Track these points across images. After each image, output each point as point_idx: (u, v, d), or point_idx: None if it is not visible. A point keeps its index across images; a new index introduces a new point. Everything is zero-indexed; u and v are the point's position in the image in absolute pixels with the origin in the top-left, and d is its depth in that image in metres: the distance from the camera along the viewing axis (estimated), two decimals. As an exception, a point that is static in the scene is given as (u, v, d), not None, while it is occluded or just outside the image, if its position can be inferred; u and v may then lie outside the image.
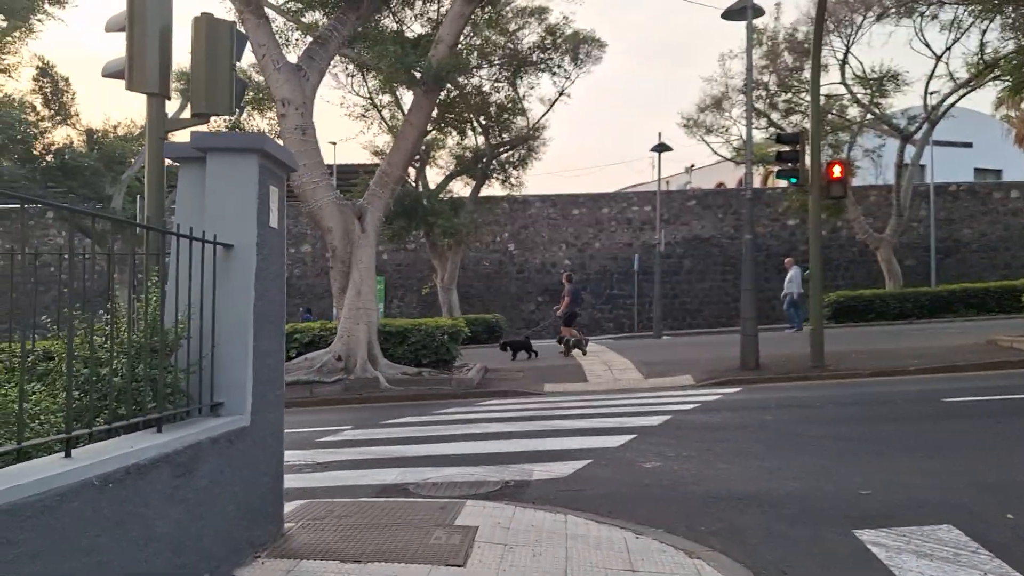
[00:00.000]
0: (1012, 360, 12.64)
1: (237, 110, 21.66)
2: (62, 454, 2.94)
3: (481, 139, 24.97)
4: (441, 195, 24.87)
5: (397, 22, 17.65)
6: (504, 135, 24.64)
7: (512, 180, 25.50)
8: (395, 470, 6.89)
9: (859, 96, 26.31)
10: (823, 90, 16.55)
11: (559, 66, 22.74)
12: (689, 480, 6.26)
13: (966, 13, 23.63)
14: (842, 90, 26.35)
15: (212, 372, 4.03)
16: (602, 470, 6.70)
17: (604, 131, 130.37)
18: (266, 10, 13.76)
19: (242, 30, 13.83)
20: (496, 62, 21.29)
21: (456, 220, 23.18)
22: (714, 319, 30.96)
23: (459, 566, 4.14)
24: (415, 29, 17.91)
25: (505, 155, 25.30)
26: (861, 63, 27.70)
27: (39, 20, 20.21)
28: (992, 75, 23.74)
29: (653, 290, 28.23)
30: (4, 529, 2.45)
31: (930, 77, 25.53)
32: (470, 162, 25.05)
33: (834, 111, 26.46)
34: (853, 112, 27.25)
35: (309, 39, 14.59)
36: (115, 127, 24.98)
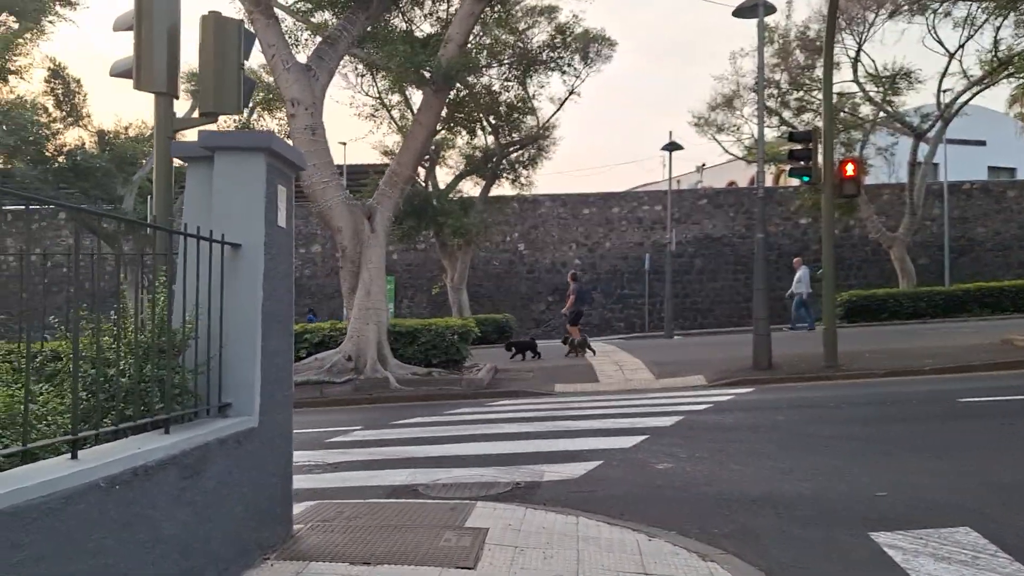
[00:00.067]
0: (1028, 360, 12.51)
1: (246, 110, 21.71)
2: (68, 455, 2.91)
3: (491, 139, 24.94)
4: (451, 195, 24.85)
5: (407, 22, 17.64)
6: (514, 134, 24.59)
7: (522, 180, 25.47)
8: (405, 471, 6.85)
9: (871, 94, 26.13)
10: (835, 88, 16.41)
11: (569, 65, 22.69)
12: (702, 481, 6.20)
13: (980, 10, 23.44)
14: (854, 88, 26.19)
15: (220, 372, 4.00)
16: (614, 471, 6.64)
17: (614, 130, 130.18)
18: (275, 10, 13.76)
19: (251, 29, 13.90)
20: (506, 61, 21.24)
21: (466, 220, 23.15)
22: (726, 319, 30.82)
23: (469, 568, 4.10)
24: (425, 29, 17.90)
25: (515, 154, 25.26)
26: (873, 61, 27.44)
27: (50, 22, 20.33)
28: (1006, 72, 23.55)
29: (664, 290, 28.11)
30: (9, 532, 2.42)
31: (943, 75, 25.34)
32: (480, 162, 25.01)
33: (846, 109, 26.29)
34: (865, 110, 27.09)
35: (319, 39, 14.59)
36: (126, 128, 25.10)
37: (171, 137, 5.93)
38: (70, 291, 3.30)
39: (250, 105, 21.95)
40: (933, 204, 29.91)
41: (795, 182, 26.07)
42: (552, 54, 21.97)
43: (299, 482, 6.36)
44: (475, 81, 20.18)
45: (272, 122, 22.29)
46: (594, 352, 17.91)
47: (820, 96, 23.10)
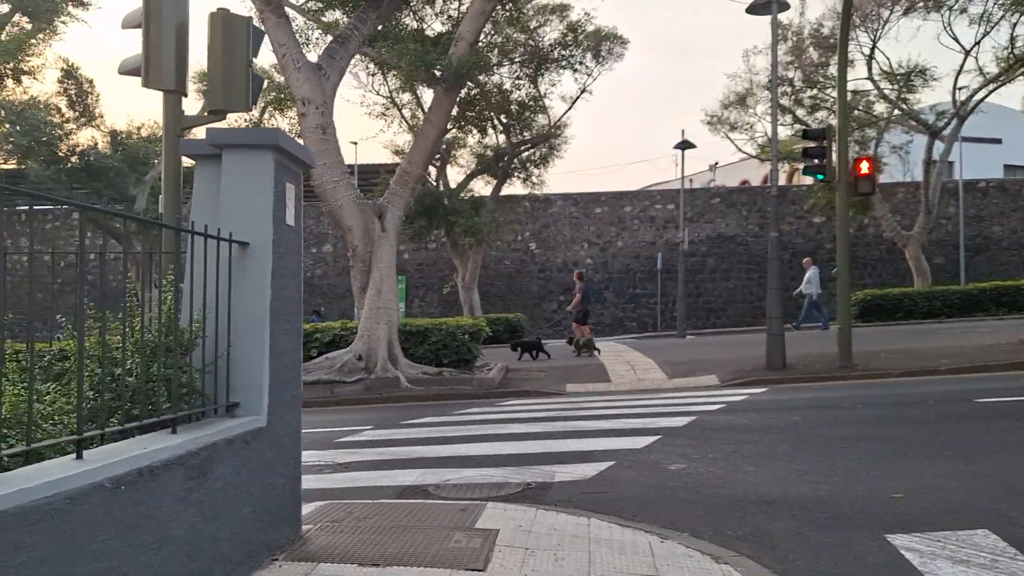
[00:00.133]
0: (1046, 360, 12.35)
1: (258, 109, 21.73)
2: (73, 455, 2.88)
3: (502, 137, 24.88)
4: (462, 194, 24.81)
5: (418, 20, 17.62)
6: (525, 133, 24.53)
7: (533, 179, 25.41)
8: (415, 471, 6.81)
9: (886, 92, 25.93)
10: (849, 86, 16.26)
11: (580, 63, 22.60)
12: (715, 482, 6.12)
13: (996, 6, 23.22)
14: (869, 86, 26.01)
15: (228, 372, 3.96)
16: (626, 472, 6.58)
17: (626, 129, 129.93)
18: (286, 9, 13.76)
19: (262, 28, 13.90)
20: (517, 59, 21.18)
21: (477, 219, 23.10)
22: (739, 318, 30.66)
23: (479, 571, 4.05)
24: (436, 27, 17.87)
25: (526, 153, 25.19)
26: (888, 58, 27.38)
27: (63, 22, 20.42)
28: (1023, 70, 23.28)
29: (676, 289, 28.00)
30: (12, 532, 2.39)
31: (959, 72, 25.12)
32: (491, 161, 24.96)
33: (860, 107, 26.09)
34: (880, 108, 26.89)
35: (329, 38, 14.59)
36: (138, 128, 25.20)
37: (180, 135, 5.91)
38: (71, 289, 3.26)
39: (262, 105, 22.03)
40: (948, 202, 29.67)
41: (809, 180, 25.96)
42: (563, 52, 21.89)
43: (309, 482, 6.33)
44: (486, 80, 20.14)
45: (283, 122, 22.33)
46: (599, 351, 17.82)
47: (834, 94, 22.95)
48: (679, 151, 28.14)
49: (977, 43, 24.49)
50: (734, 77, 29.55)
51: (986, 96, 25.21)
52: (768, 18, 14.65)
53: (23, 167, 23.89)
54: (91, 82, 23.47)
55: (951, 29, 24.76)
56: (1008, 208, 31.55)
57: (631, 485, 6.15)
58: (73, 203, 2.81)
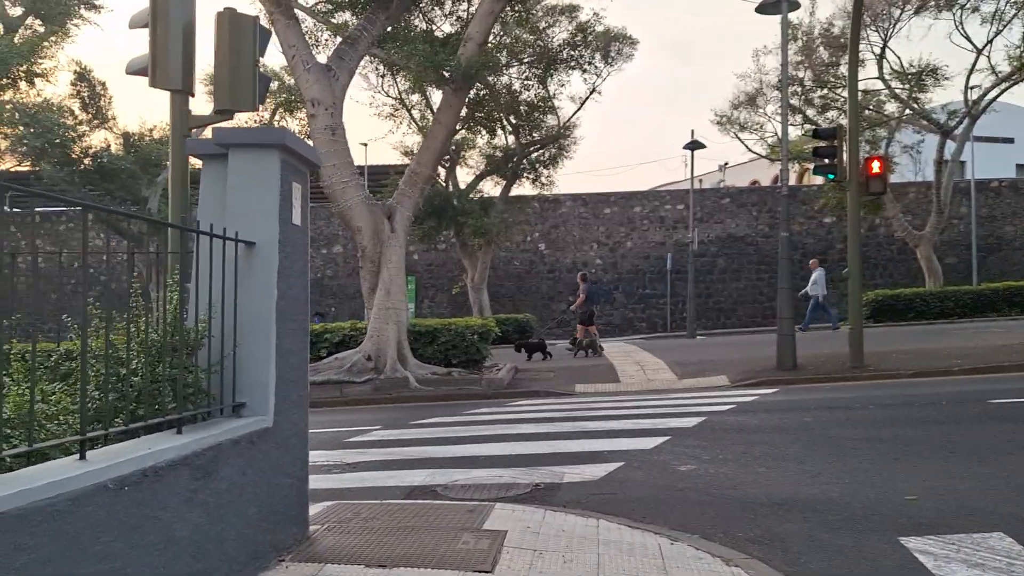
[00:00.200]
0: (1061, 360, 12.22)
1: (268, 111, 21.74)
2: (77, 456, 2.86)
3: (511, 138, 24.84)
4: (471, 195, 24.77)
5: (427, 21, 17.60)
6: (534, 134, 24.47)
7: (543, 179, 25.34)
8: (423, 471, 6.78)
9: (897, 91, 25.77)
10: (860, 85, 16.16)
11: (590, 63, 22.52)
12: (726, 484, 6.07)
13: (1008, 5, 23.06)
14: (880, 85, 25.85)
15: (234, 372, 3.94)
16: (635, 473, 6.53)
17: (635, 129, 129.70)
18: (296, 11, 13.77)
19: (269, 28, 13.91)
20: (526, 60, 21.13)
21: (486, 220, 23.06)
22: (749, 319, 30.53)
23: (487, 572, 4.01)
24: (445, 28, 17.84)
25: (535, 154, 25.14)
26: (899, 57, 27.18)
27: (74, 25, 20.53)
28: (1035, 68, 23.10)
29: (686, 289, 27.90)
30: (13, 534, 2.37)
31: (971, 71, 24.93)
32: (500, 161, 24.92)
33: (871, 107, 25.94)
34: (891, 108, 26.72)
35: (339, 39, 14.58)
36: (151, 130, 25.29)
37: (187, 135, 5.91)
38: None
39: (272, 107, 22.08)
40: (960, 202, 29.47)
41: (819, 180, 25.82)
42: (573, 53, 21.83)
43: (317, 482, 6.32)
44: (495, 80, 20.11)
45: (293, 123, 22.36)
46: (602, 348, 18.05)
47: (845, 94, 22.81)
48: (689, 151, 28.06)
49: (989, 42, 24.33)
50: (744, 77, 29.48)
51: (998, 95, 25.02)
52: (778, 18, 14.58)
53: (37, 169, 24.02)
54: (104, 84, 23.59)
55: (963, 28, 24.61)
56: (1021, 208, 31.29)
57: (640, 486, 6.11)
58: (76, 201, 2.79)
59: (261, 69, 18.78)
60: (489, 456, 7.40)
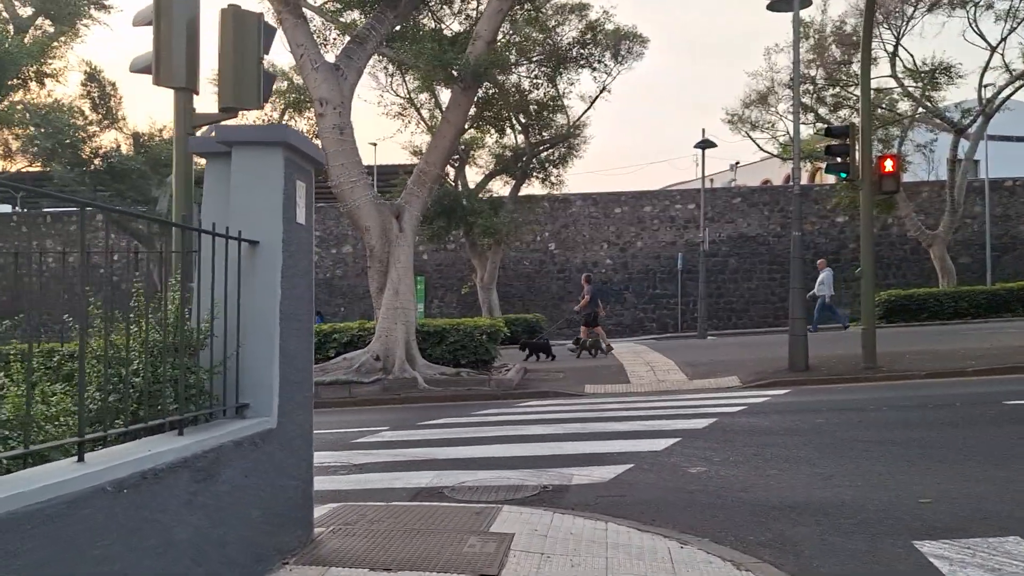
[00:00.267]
0: (1077, 361, 12.06)
1: (278, 111, 21.73)
2: (75, 458, 2.81)
3: (520, 137, 24.77)
4: (481, 194, 24.72)
5: (435, 20, 17.56)
6: (544, 133, 24.39)
7: (552, 179, 25.23)
8: (430, 473, 6.73)
9: (910, 89, 25.56)
10: (872, 83, 16.03)
11: (600, 62, 22.41)
12: (737, 486, 5.98)
13: (1023, 2, 22.81)
14: (892, 83, 25.67)
15: (237, 372, 3.89)
16: (645, 475, 6.46)
17: (646, 129, 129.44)
18: (304, 10, 13.74)
19: (274, 26, 13.88)
20: (535, 59, 21.05)
21: (496, 219, 23.00)
22: (760, 319, 30.36)
23: (493, 576, 3.95)
24: (454, 27, 17.80)
25: (545, 153, 25.05)
26: (912, 55, 26.99)
27: (84, 25, 20.59)
28: (1051, 66, 22.88)
29: (697, 289, 27.78)
30: (8, 538, 2.32)
31: (984, 69, 24.73)
32: (510, 161, 24.85)
33: (884, 105, 25.74)
34: (904, 106, 26.52)
35: (347, 38, 14.55)
36: (160, 130, 25.37)
37: (190, 133, 5.88)
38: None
39: (282, 106, 22.09)
40: (974, 201, 29.22)
41: (831, 179, 25.66)
42: (582, 51, 21.73)
43: (323, 483, 6.28)
44: (504, 79, 20.04)
45: (302, 123, 22.36)
46: (606, 348, 18.15)
47: (857, 92, 22.67)
48: (700, 150, 27.94)
49: (1003, 39, 24.14)
50: (755, 75, 29.21)
51: (1012, 93, 24.80)
52: (789, 16, 14.48)
53: (48, 169, 24.14)
54: (114, 85, 23.68)
55: (976, 25, 24.41)
56: (1035, 207, 31.00)
57: (650, 488, 6.04)
58: (74, 199, 2.74)
59: (269, 68, 18.81)
60: (497, 458, 7.34)
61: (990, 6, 23.73)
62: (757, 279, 30.95)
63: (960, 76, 24.84)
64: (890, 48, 24.99)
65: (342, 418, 10.90)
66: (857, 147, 13.25)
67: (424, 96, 22.98)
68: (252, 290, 4.01)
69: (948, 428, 7.94)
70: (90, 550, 2.66)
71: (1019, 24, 23.57)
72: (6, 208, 32.55)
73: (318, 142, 14.20)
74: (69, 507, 2.56)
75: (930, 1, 23.99)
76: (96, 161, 23.40)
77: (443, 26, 17.61)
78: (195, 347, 3.75)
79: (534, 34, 20.71)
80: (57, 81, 20.94)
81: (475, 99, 16.85)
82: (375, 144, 42.52)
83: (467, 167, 25.69)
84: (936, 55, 30.32)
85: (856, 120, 20.52)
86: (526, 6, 18.25)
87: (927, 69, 24.92)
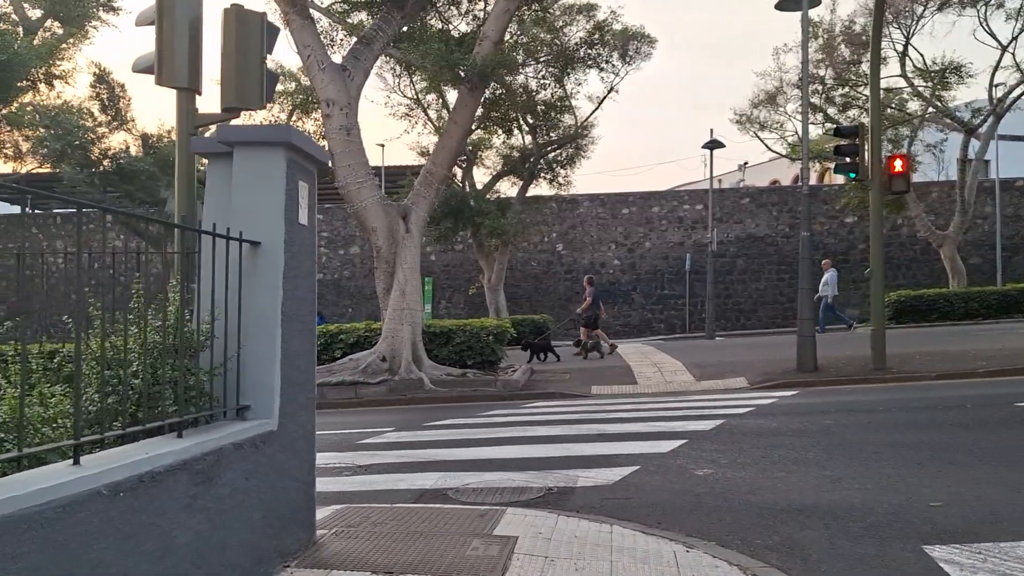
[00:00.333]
0: (1089, 362, 11.94)
1: (286, 112, 21.73)
2: (71, 461, 2.78)
3: (528, 138, 24.71)
4: (488, 195, 24.68)
5: (443, 21, 17.54)
6: (551, 134, 24.33)
7: (560, 179, 25.18)
8: (435, 474, 6.70)
9: (920, 89, 25.39)
10: (882, 83, 15.94)
11: (607, 62, 22.33)
12: (744, 489, 5.92)
13: (1034, 0, 22.64)
14: (902, 83, 25.48)
15: (238, 374, 3.86)
16: (651, 477, 6.40)
17: (654, 129, 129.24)
18: (311, 11, 13.73)
19: (278, 26, 13.88)
20: (543, 59, 21.00)
21: (503, 220, 22.95)
22: (769, 320, 30.23)
23: (496, 581, 3.91)
24: (461, 28, 17.77)
25: (553, 154, 25.00)
26: (922, 55, 26.89)
27: (93, 27, 20.64)
28: (1062, 65, 22.69)
29: (705, 290, 27.67)
30: (1, 542, 2.29)
31: (995, 68, 24.53)
32: (517, 162, 24.81)
33: (893, 105, 25.58)
34: (913, 106, 26.34)
35: (354, 39, 14.54)
36: (169, 132, 25.41)
37: (193, 133, 5.86)
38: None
39: (290, 107, 22.11)
40: (985, 201, 29.02)
41: (840, 179, 25.50)
42: (590, 52, 21.66)
43: (328, 485, 6.25)
44: (511, 79, 20.00)
45: (309, 124, 22.37)
46: (614, 348, 18.18)
47: (866, 92, 22.53)
48: (708, 151, 27.84)
49: (1014, 38, 23.94)
50: (764, 75, 29.08)
51: (1024, 93, 24.62)
52: (798, 15, 14.40)
53: (57, 171, 24.22)
54: (123, 86, 23.73)
55: (987, 24, 24.22)
56: (1047, 207, 30.77)
57: (656, 491, 5.98)
58: (71, 200, 2.71)
59: (277, 69, 18.73)
60: (502, 459, 7.29)
61: (1000, 5, 23.56)
62: (765, 280, 30.82)
63: (970, 75, 24.63)
64: (900, 47, 24.85)
65: (348, 419, 10.87)
66: (866, 147, 13.15)
67: (431, 97, 22.96)
68: (253, 291, 3.98)
69: (959, 430, 7.85)
70: (86, 554, 2.63)
71: (1030, 23, 23.38)
72: (15, 209, 32.70)
73: (325, 143, 14.20)
74: (64, 511, 2.53)
75: (940, 0, 23.83)
76: (105, 162, 23.46)
77: (450, 27, 17.58)
78: (195, 348, 3.72)
79: (541, 34, 20.66)
80: (66, 83, 21.01)
81: (482, 100, 16.81)
82: (383, 145, 42.56)
83: (474, 168, 25.68)
84: (946, 54, 30.09)
85: (865, 120, 20.40)
86: (533, 6, 18.20)
87: (937, 68, 24.74)
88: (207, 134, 6.11)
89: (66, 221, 32.45)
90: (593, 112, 24.81)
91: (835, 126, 17.52)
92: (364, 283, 31.22)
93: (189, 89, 5.82)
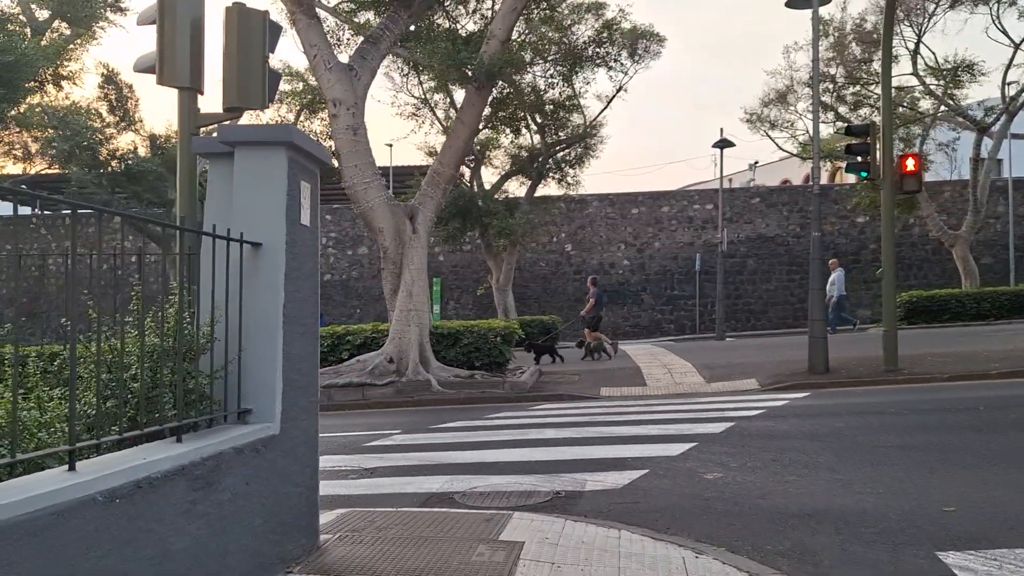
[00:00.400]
0: (1105, 364, 11.79)
1: (294, 112, 21.69)
2: (66, 467, 2.73)
3: (536, 138, 24.62)
4: (496, 195, 24.58)
5: (450, 20, 17.48)
6: (560, 133, 24.23)
7: (569, 179, 25.06)
8: (442, 478, 6.64)
9: (932, 87, 25.19)
10: (893, 81, 15.78)
11: (616, 61, 22.19)
12: (754, 493, 5.84)
13: (1048, -3, 22.43)
14: (914, 81, 25.27)
15: (239, 377, 3.81)
16: (660, 481, 6.32)
17: (663, 128, 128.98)
18: (317, 10, 13.69)
19: (288, 26, 13.84)
20: (551, 58, 20.90)
21: (511, 220, 22.86)
22: (779, 320, 30.05)
23: (501, 587, 3.85)
24: (468, 27, 17.71)
25: (561, 154, 24.89)
26: (934, 53, 26.56)
27: (101, 27, 20.67)
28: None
29: (715, 291, 27.51)
30: (-7, 550, 2.24)
31: (1008, 66, 24.30)
32: (525, 161, 24.71)
33: (905, 103, 25.39)
34: (925, 104, 26.12)
35: (361, 39, 14.49)
36: (177, 132, 25.42)
37: (195, 133, 5.82)
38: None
39: (298, 108, 22.09)
40: (997, 201, 28.78)
41: (852, 179, 25.33)
42: (598, 50, 21.52)
43: (333, 488, 6.21)
44: (519, 78, 19.92)
45: (316, 124, 22.34)
46: (615, 347, 18.21)
47: (878, 90, 22.37)
48: (718, 150, 27.68)
49: (1028, 36, 23.72)
50: (774, 74, 29.00)
51: (1036, 91, 24.38)
52: (808, 13, 14.29)
53: (66, 172, 24.28)
54: (130, 86, 23.77)
55: (1000, 22, 24.00)
56: (1060, 206, 30.49)
57: (665, 495, 5.90)
58: (66, 201, 2.66)
59: (285, 70, 18.69)
60: (510, 462, 7.23)
61: (1013, 2, 23.34)
62: (776, 280, 30.65)
63: (983, 74, 24.41)
64: (911, 46, 24.66)
65: (355, 421, 10.83)
66: (878, 146, 13.03)
67: (439, 96, 22.89)
68: (255, 292, 3.93)
69: (971, 433, 7.74)
70: (81, 562, 2.59)
71: (1043, 20, 23.18)
72: (24, 210, 32.83)
73: (332, 143, 14.14)
74: (58, 518, 2.48)
75: (952, -3, 23.64)
76: (113, 163, 23.49)
77: (457, 26, 17.52)
78: (196, 351, 3.67)
79: (550, 33, 20.57)
80: (74, 83, 21.00)
81: (489, 99, 16.74)
82: (391, 145, 42.57)
83: (483, 168, 25.58)
84: (958, 52, 29.76)
85: (877, 119, 20.26)
86: (542, 5, 18.12)
87: (949, 67, 24.54)
88: (214, 135, 6.09)
89: (75, 222, 32.54)
90: (602, 111, 24.68)
91: (846, 125, 17.38)
92: (372, 284, 31.20)
93: (191, 89, 5.79)
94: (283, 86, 21.74)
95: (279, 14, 14.21)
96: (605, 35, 21.33)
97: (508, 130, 23.03)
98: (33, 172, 24.41)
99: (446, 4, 16.82)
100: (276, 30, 6.21)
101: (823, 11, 16.55)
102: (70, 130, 21.45)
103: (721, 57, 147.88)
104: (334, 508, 5.49)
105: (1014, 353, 13.30)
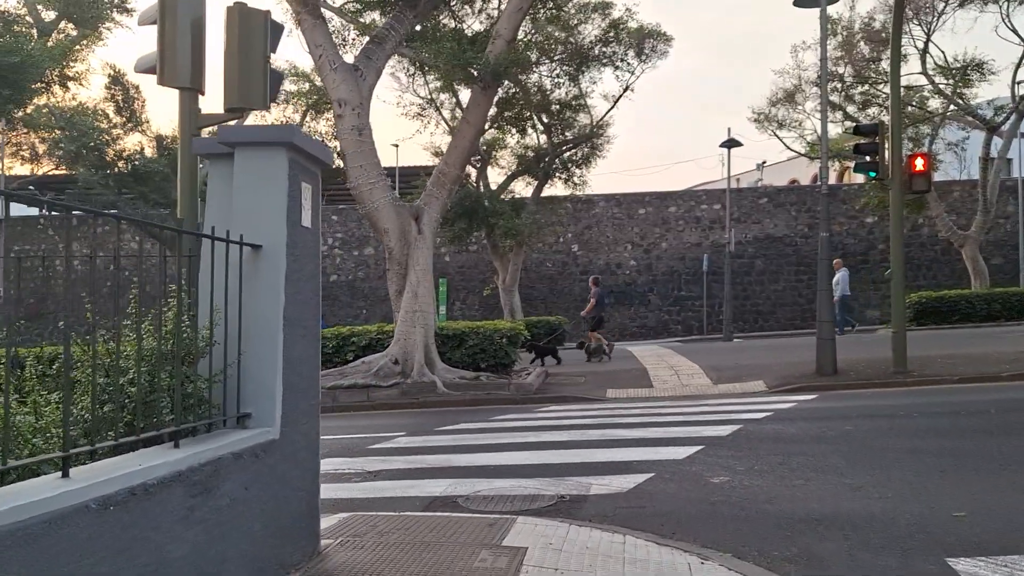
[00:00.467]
0: (1117, 365, 11.66)
1: (297, 113, 21.66)
2: (59, 474, 2.69)
3: (543, 138, 24.56)
4: (502, 195, 24.53)
5: (456, 20, 17.43)
6: (566, 133, 24.15)
7: (575, 179, 24.95)
8: (445, 481, 6.58)
9: (941, 86, 25.03)
10: (902, 80, 15.64)
11: (623, 60, 22.13)
12: (761, 498, 5.77)
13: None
14: (923, 80, 25.11)
15: (239, 381, 3.76)
16: (665, 485, 6.26)
17: (671, 128, 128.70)
18: (323, 10, 13.67)
19: (293, 26, 13.82)
20: (557, 57, 20.84)
21: (518, 221, 22.79)
22: (787, 321, 29.92)
23: (503, 595, 3.79)
24: (474, 27, 17.67)
25: (568, 154, 24.80)
26: (943, 52, 26.50)
27: (107, 28, 20.71)
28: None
29: (723, 291, 27.41)
30: (-18, 560, 2.20)
31: (1018, 65, 24.10)
32: (532, 161, 24.64)
33: (914, 103, 25.23)
34: (934, 104, 25.95)
35: (366, 39, 14.45)
36: (183, 133, 25.47)
37: (195, 134, 5.78)
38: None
39: (304, 108, 22.09)
40: (1007, 201, 28.60)
41: (860, 179, 25.20)
42: (605, 50, 21.47)
43: (336, 491, 6.16)
44: (525, 78, 19.87)
45: (321, 124, 22.33)
46: (609, 357, 17.93)
47: (886, 90, 22.19)
48: (725, 150, 27.58)
49: (1038, 34, 23.53)
50: (782, 74, 28.84)
51: (1047, 90, 24.18)
52: (816, 12, 14.18)
53: (73, 172, 24.34)
54: (137, 87, 23.82)
55: (1009, 20, 23.82)
56: (1071, 206, 30.26)
57: (671, 499, 5.84)
58: (64, 204, 2.62)
59: (290, 70, 18.67)
60: (514, 465, 7.17)
61: (1023, 1, 23.16)
62: (784, 281, 30.51)
63: (992, 73, 24.23)
64: (920, 45, 24.51)
65: (359, 423, 10.78)
66: (887, 145, 12.93)
67: (444, 96, 22.86)
68: (255, 295, 3.89)
69: (982, 436, 7.65)
70: (75, 570, 2.54)
71: (1054, 19, 23.03)
72: (32, 211, 32.94)
73: (337, 143, 14.10)
74: (50, 525, 2.44)
75: (961, -4, 23.48)
76: (120, 164, 23.54)
77: (463, 25, 17.48)
78: (195, 355, 3.62)
79: (556, 33, 20.50)
80: (80, 84, 21.08)
81: (495, 99, 16.68)
82: (397, 145, 42.57)
83: (489, 168, 25.53)
84: (968, 51, 29.63)
85: (885, 118, 20.10)
86: (548, 4, 18.06)
87: (958, 66, 24.38)
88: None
89: (81, 223, 32.65)
90: (609, 111, 24.62)
91: (855, 124, 17.26)
92: (378, 284, 31.19)
93: (191, 89, 5.75)
94: (289, 86, 21.75)
95: (284, 14, 14.22)
96: (612, 34, 21.27)
97: (514, 130, 22.97)
98: (40, 173, 24.47)
99: (452, 4, 16.78)
100: (278, 30, 6.16)
101: (831, 10, 16.44)
102: (77, 131, 21.50)
103: (729, 56, 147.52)
104: (336, 512, 5.45)
105: (1024, 355, 13.18)
